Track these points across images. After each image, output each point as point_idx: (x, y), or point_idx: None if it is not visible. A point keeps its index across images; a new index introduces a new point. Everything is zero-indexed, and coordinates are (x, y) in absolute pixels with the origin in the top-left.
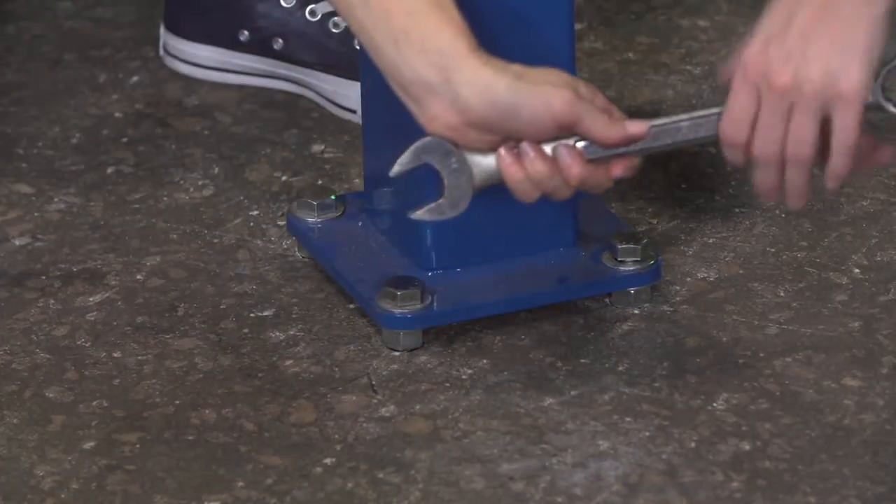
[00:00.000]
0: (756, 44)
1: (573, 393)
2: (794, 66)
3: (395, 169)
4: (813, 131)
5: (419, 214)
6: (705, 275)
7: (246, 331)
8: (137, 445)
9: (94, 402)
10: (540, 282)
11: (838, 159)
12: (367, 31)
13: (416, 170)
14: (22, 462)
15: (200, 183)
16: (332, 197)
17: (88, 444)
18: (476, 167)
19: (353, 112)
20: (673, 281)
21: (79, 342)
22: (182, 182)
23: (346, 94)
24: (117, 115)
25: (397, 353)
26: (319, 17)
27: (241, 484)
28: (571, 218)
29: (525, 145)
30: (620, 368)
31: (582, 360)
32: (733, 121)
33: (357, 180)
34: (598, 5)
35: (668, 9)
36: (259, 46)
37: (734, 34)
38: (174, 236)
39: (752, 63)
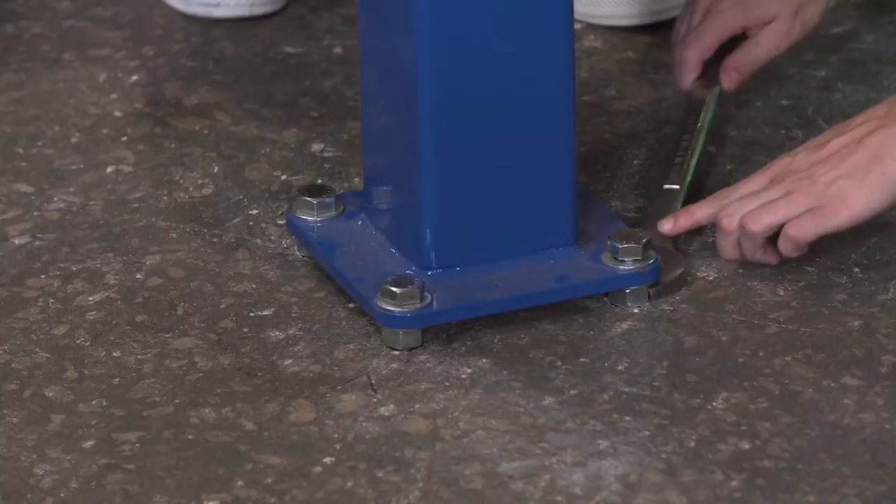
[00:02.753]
0: (793, 153)
1: (573, 392)
2: (806, 178)
3: None
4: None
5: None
6: (705, 274)
7: (245, 330)
8: (137, 445)
9: (94, 402)
10: (540, 281)
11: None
12: None
13: (415, 168)
14: (21, 461)
15: (200, 182)
16: (332, 196)
17: (88, 444)
18: None
19: None
20: None
21: (78, 341)
22: (182, 181)
23: None
24: (117, 114)
25: (397, 353)
26: None
27: (240, 483)
28: (571, 217)
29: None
30: (620, 368)
31: (581, 360)
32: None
33: (357, 179)
34: None
35: None
36: None
37: None
38: (174, 235)
39: (781, 159)
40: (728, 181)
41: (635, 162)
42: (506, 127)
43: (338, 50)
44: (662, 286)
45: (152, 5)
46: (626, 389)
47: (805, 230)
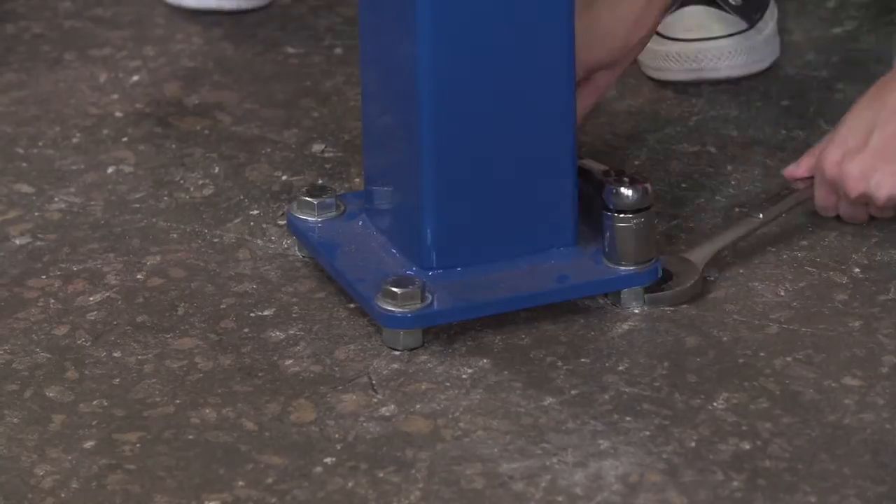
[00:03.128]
0: (834, 153)
1: (573, 392)
2: (865, 186)
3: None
4: (889, 213)
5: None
6: (705, 274)
7: (246, 330)
8: (137, 445)
9: (95, 402)
10: (540, 281)
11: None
12: None
13: (415, 166)
14: (22, 461)
15: (201, 182)
16: (333, 196)
17: (88, 444)
18: None
19: None
20: None
21: (79, 342)
22: (182, 181)
23: None
24: (118, 114)
25: (397, 353)
26: None
27: (241, 483)
28: (571, 218)
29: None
30: (620, 368)
31: (582, 360)
32: (822, 206)
33: (357, 180)
34: None
35: None
36: None
37: None
38: (174, 236)
39: (829, 170)
40: (728, 181)
41: (636, 162)
42: (506, 127)
43: (338, 50)
44: (663, 295)
45: (153, 5)
46: (627, 390)
47: None
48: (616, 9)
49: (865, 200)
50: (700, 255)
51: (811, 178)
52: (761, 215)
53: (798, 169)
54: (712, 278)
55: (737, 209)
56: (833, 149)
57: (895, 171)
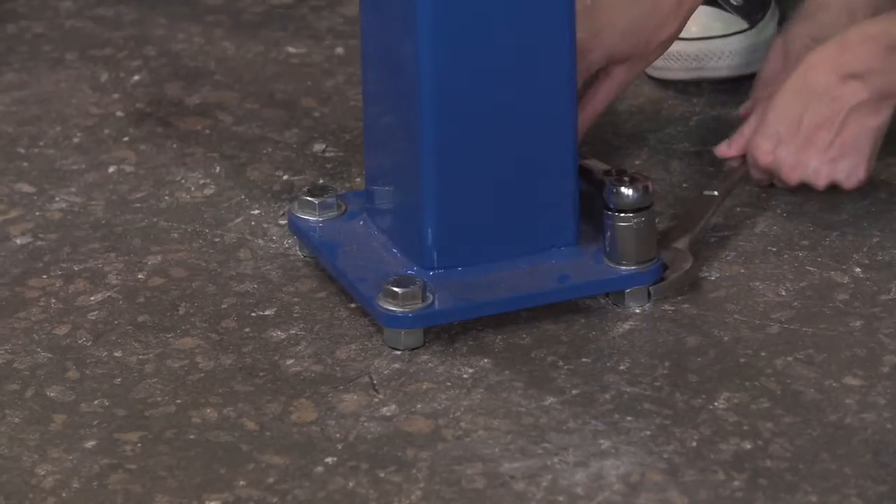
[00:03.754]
0: (765, 142)
1: (574, 392)
2: (803, 174)
3: None
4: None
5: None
6: (706, 274)
7: (247, 330)
8: (139, 444)
9: (96, 402)
10: (541, 281)
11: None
12: None
13: (415, 166)
14: (23, 461)
15: (202, 182)
16: (334, 196)
17: (90, 444)
18: None
19: None
20: None
21: (80, 341)
22: (183, 181)
23: None
24: (119, 114)
25: (398, 353)
26: None
27: (242, 483)
28: (572, 217)
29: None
30: (622, 367)
31: (583, 360)
32: (758, 183)
33: (358, 179)
34: None
35: None
36: None
37: None
38: (175, 235)
39: (762, 159)
40: None
41: (637, 162)
42: (507, 127)
43: (339, 50)
44: (667, 284)
45: (154, 5)
46: (628, 389)
47: None
48: (644, 4)
49: (803, 186)
50: (683, 242)
51: (743, 156)
52: (716, 192)
53: (729, 150)
54: (713, 278)
55: (738, 209)
56: (763, 138)
57: (831, 159)
